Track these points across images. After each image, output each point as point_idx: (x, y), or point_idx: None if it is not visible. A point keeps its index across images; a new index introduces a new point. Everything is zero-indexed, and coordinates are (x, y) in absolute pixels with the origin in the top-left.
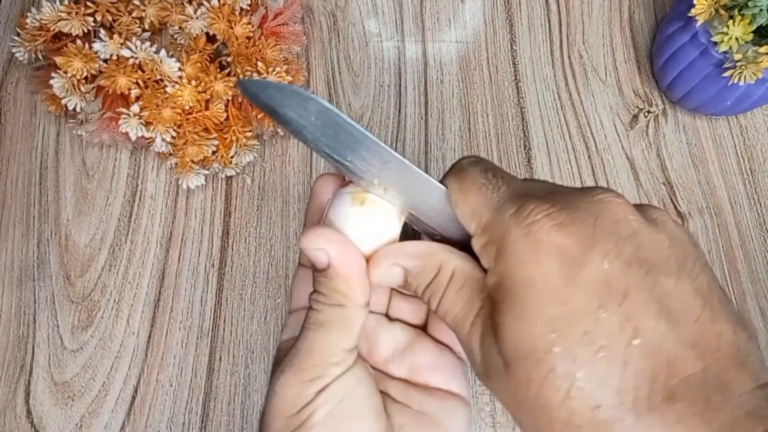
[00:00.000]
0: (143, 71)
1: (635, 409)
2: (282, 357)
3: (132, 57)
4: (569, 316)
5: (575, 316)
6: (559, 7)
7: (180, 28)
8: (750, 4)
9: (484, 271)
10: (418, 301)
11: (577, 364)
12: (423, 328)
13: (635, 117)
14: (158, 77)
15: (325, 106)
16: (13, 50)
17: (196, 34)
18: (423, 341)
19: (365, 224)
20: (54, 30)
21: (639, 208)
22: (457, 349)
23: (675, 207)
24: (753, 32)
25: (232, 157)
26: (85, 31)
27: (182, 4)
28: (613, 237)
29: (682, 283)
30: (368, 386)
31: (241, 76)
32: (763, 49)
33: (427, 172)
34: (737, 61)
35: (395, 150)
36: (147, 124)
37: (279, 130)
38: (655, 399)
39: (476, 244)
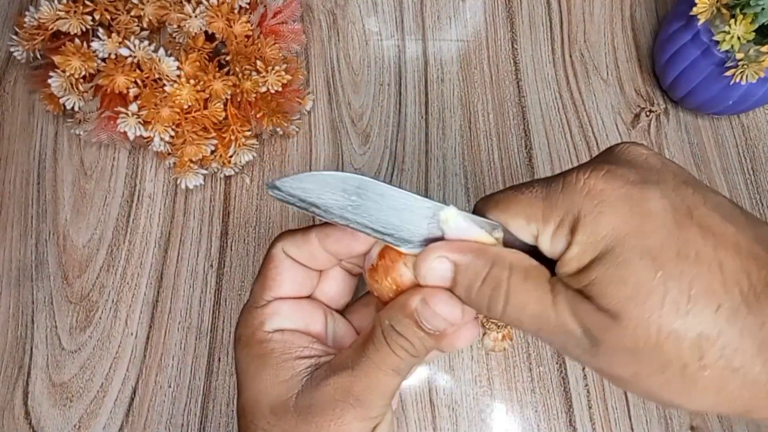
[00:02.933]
0: (142, 70)
1: (745, 301)
2: (251, 335)
3: (130, 56)
4: (658, 243)
5: (663, 241)
6: (560, 6)
7: (179, 26)
8: (752, 3)
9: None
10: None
11: (685, 279)
12: None
13: (637, 116)
14: (157, 76)
15: (362, 180)
16: (11, 49)
17: (195, 33)
18: None
19: None
20: (52, 29)
21: (616, 165)
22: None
23: None
24: (755, 31)
25: (230, 156)
26: (84, 29)
27: (181, 2)
28: (653, 170)
29: (720, 196)
30: (393, 417)
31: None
32: (765, 48)
33: (427, 172)
34: (739, 60)
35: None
36: (145, 123)
37: (278, 129)
38: (757, 287)
39: (545, 239)
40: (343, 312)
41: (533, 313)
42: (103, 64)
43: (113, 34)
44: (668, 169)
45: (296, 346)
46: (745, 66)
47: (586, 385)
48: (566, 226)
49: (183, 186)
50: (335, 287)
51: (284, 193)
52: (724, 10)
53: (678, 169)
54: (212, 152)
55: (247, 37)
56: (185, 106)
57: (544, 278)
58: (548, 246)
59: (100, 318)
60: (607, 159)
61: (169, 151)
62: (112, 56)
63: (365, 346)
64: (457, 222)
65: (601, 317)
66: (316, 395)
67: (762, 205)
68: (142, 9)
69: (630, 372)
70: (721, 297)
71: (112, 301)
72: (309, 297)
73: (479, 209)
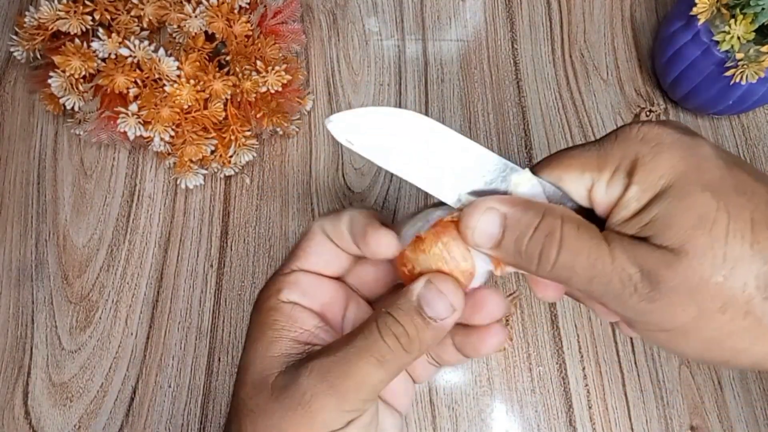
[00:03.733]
0: (142, 70)
1: None
2: (269, 306)
3: (130, 56)
4: (715, 179)
5: (719, 178)
6: (560, 6)
7: (179, 26)
8: (752, 2)
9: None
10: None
11: (744, 210)
12: None
13: (637, 116)
14: (157, 76)
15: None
16: (11, 49)
17: (195, 33)
18: None
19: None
20: (52, 29)
21: (664, 122)
22: (416, 374)
23: None
24: (755, 31)
25: (230, 156)
26: (84, 29)
27: (181, 2)
28: (697, 138)
29: (749, 164)
30: (377, 421)
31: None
32: (765, 48)
33: None
34: (739, 60)
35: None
36: (145, 123)
37: (278, 129)
38: None
39: (600, 187)
40: (373, 303)
41: (588, 260)
42: (103, 64)
43: (113, 34)
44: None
45: (298, 326)
46: (745, 66)
47: (586, 385)
48: (623, 170)
49: (183, 186)
50: (372, 273)
51: (341, 129)
52: (724, 10)
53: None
54: (212, 152)
55: (247, 37)
56: (185, 106)
57: (596, 229)
58: (603, 193)
59: (100, 318)
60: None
61: (169, 151)
62: (112, 56)
63: (354, 333)
64: (531, 188)
65: (662, 254)
66: (292, 377)
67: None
68: (142, 9)
69: (689, 315)
70: None
71: (112, 301)
72: (338, 279)
73: (533, 173)
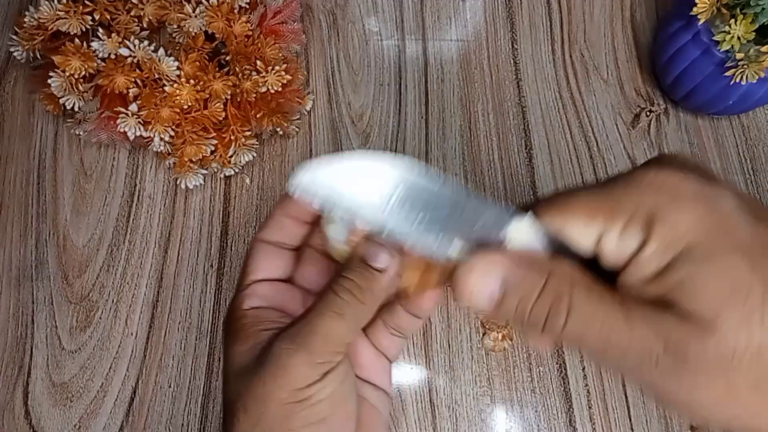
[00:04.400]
0: (141, 70)
1: None
2: (248, 322)
3: (130, 56)
4: (744, 238)
5: (748, 236)
6: (560, 6)
7: (178, 26)
8: (752, 3)
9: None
10: None
11: None
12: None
13: (637, 116)
14: (157, 76)
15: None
16: (11, 49)
17: (195, 33)
18: (367, 344)
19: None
20: (52, 29)
21: (681, 165)
22: (390, 353)
23: None
24: (755, 31)
25: (230, 156)
26: (84, 29)
27: (181, 2)
28: (710, 173)
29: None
30: (353, 375)
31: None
32: (765, 48)
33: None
34: (739, 60)
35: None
36: (145, 123)
37: (278, 129)
38: None
39: (610, 239)
40: None
41: (601, 329)
42: (103, 64)
43: (113, 34)
44: (723, 180)
45: (264, 319)
46: (745, 66)
47: (586, 385)
48: (639, 223)
49: (183, 186)
50: (314, 272)
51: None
52: (724, 10)
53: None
54: (212, 152)
55: (247, 37)
56: (185, 106)
57: (609, 292)
58: (614, 246)
59: (100, 318)
60: (661, 161)
61: (169, 151)
62: (112, 56)
63: (315, 300)
64: (529, 238)
65: (690, 328)
66: (268, 351)
67: (762, 204)
68: (142, 9)
69: (718, 394)
70: None
71: (112, 301)
72: (289, 281)
73: (541, 209)
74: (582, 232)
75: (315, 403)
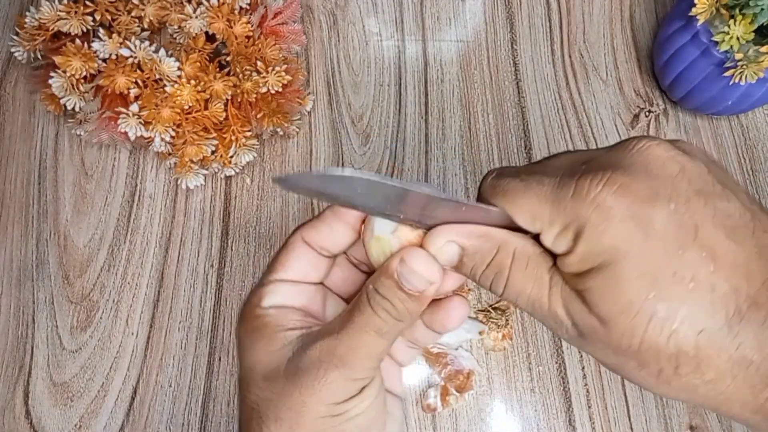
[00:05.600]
0: (142, 71)
1: (729, 323)
2: (254, 316)
3: (131, 56)
4: (656, 264)
5: (661, 262)
6: (559, 7)
7: (179, 27)
8: (751, 3)
9: (547, 251)
10: None
11: (674, 301)
12: None
13: (636, 117)
14: (157, 77)
15: (370, 180)
16: (12, 50)
17: (196, 34)
18: None
19: None
20: (53, 29)
21: (627, 177)
22: (398, 359)
23: None
24: (754, 32)
25: (231, 156)
26: (84, 30)
27: (181, 3)
28: (668, 180)
29: (732, 203)
30: (383, 387)
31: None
32: (764, 49)
33: (427, 172)
34: (738, 61)
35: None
36: (146, 123)
37: (278, 130)
38: (742, 309)
39: (547, 238)
40: (346, 300)
41: (529, 299)
42: (104, 64)
43: (114, 35)
44: (684, 177)
45: (288, 319)
46: (744, 66)
47: (586, 385)
48: (570, 232)
49: (184, 186)
50: (340, 274)
51: (291, 185)
52: (723, 11)
53: (696, 173)
54: (213, 152)
55: (248, 37)
56: (186, 107)
57: (545, 267)
58: (550, 245)
59: (101, 318)
60: (621, 162)
61: (170, 151)
62: (113, 57)
63: (351, 311)
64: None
65: (590, 319)
66: (303, 359)
67: (761, 204)
68: (143, 10)
69: (611, 362)
70: (706, 322)
71: (113, 300)
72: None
73: (485, 193)
74: (527, 223)
75: (352, 417)
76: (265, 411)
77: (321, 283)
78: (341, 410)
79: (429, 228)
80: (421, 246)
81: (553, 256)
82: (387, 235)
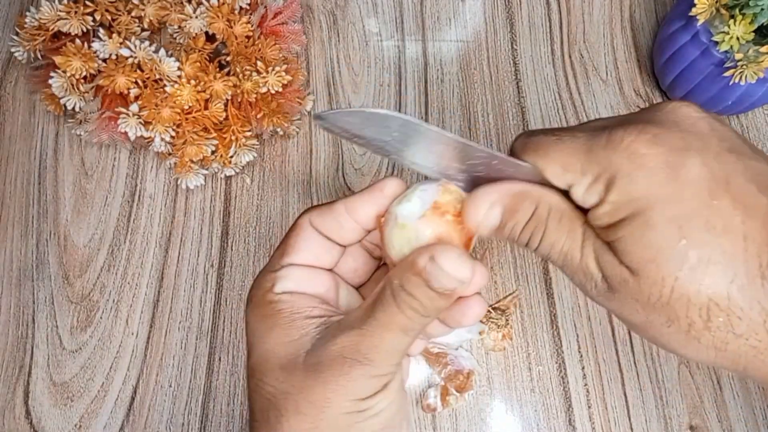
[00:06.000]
0: (142, 71)
1: (761, 274)
2: (265, 300)
3: (131, 56)
4: (688, 212)
5: (693, 210)
6: (559, 6)
7: (179, 27)
8: (751, 3)
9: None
10: None
11: (706, 248)
12: None
13: None
14: (157, 77)
15: (406, 120)
16: (12, 49)
17: (196, 34)
18: None
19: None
20: (53, 29)
21: (660, 129)
22: (410, 352)
23: None
24: (754, 32)
25: (231, 156)
26: (84, 30)
27: (181, 3)
28: (699, 135)
29: (762, 164)
30: (404, 381)
31: (318, 111)
32: (764, 49)
33: None
34: (738, 61)
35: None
36: (146, 123)
37: (278, 130)
38: None
39: (578, 191)
40: (359, 288)
41: (561, 251)
42: (104, 64)
43: (114, 35)
44: (715, 135)
45: (305, 306)
46: (744, 66)
47: (585, 385)
48: (602, 182)
49: (184, 186)
50: (352, 262)
51: (329, 124)
52: (723, 11)
53: (727, 134)
54: (213, 152)
55: (248, 37)
56: (186, 107)
57: (578, 222)
58: (581, 197)
59: (101, 318)
60: (654, 118)
61: (170, 151)
62: (113, 57)
63: (374, 306)
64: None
65: (621, 270)
66: (324, 353)
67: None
68: (143, 10)
69: (639, 320)
70: (739, 269)
71: (113, 300)
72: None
73: (516, 149)
74: (557, 176)
75: (376, 413)
76: (284, 404)
77: (331, 270)
78: (365, 406)
79: (463, 187)
80: (459, 215)
81: (584, 212)
82: (413, 222)
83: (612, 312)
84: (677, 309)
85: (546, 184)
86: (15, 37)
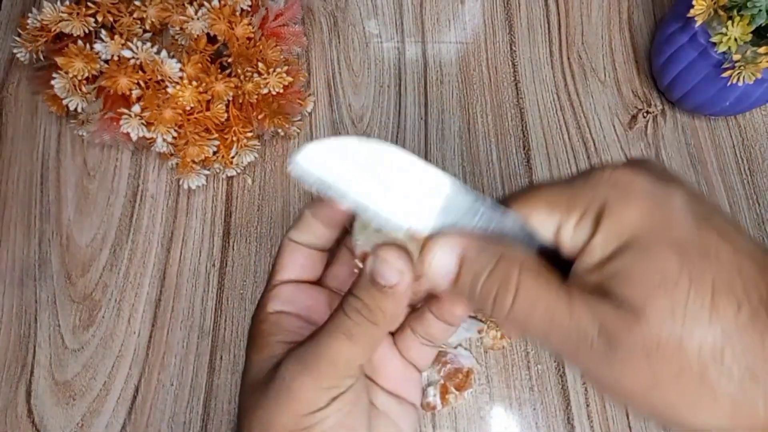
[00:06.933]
0: (144, 72)
1: (764, 305)
2: (262, 333)
3: (133, 58)
4: (683, 237)
5: (685, 236)
6: (558, 8)
7: (181, 28)
8: (749, 4)
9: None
10: None
11: (706, 274)
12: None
13: (634, 117)
14: (159, 78)
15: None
16: (15, 51)
17: (197, 35)
18: (395, 354)
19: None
20: (55, 30)
21: (639, 165)
22: (420, 364)
23: None
24: (752, 33)
25: (232, 157)
26: (86, 31)
27: (183, 5)
28: (673, 177)
29: (723, 216)
30: (366, 398)
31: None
32: (761, 50)
33: None
34: (736, 62)
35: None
36: (148, 124)
37: (279, 130)
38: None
39: (567, 229)
40: None
41: (545, 312)
42: (106, 65)
43: (116, 36)
44: (684, 181)
45: (283, 329)
46: (742, 67)
47: (584, 383)
48: (591, 215)
49: (185, 186)
50: (345, 271)
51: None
52: (721, 12)
53: (690, 185)
54: (214, 153)
55: (249, 39)
56: (187, 108)
57: (558, 279)
58: (570, 236)
59: (103, 317)
60: (625, 163)
61: (172, 151)
62: (115, 58)
63: (326, 320)
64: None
65: (621, 314)
66: (278, 369)
67: (759, 205)
68: (145, 11)
69: (644, 381)
70: (741, 298)
71: (115, 300)
72: (317, 283)
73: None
74: (544, 221)
75: (323, 430)
76: (242, 420)
77: (324, 286)
78: (309, 423)
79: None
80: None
81: (569, 266)
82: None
83: (608, 387)
84: (689, 349)
85: (531, 240)
86: (17, 39)
